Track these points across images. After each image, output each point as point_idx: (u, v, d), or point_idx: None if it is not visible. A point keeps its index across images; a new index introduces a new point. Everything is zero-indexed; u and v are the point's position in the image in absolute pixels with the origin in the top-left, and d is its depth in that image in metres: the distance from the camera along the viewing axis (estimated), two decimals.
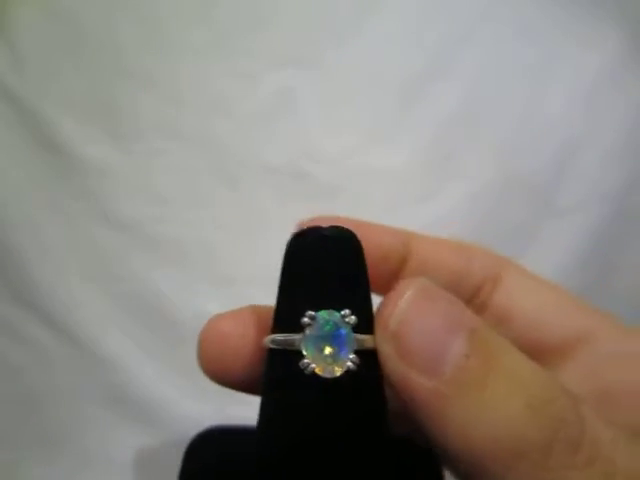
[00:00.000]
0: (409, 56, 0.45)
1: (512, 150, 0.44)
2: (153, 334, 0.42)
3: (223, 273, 0.42)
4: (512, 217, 0.44)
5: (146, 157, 0.43)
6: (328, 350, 0.15)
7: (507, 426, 0.13)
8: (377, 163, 0.44)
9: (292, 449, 0.15)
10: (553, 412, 0.13)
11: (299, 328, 0.15)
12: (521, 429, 0.13)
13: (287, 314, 0.16)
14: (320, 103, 0.44)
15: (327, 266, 0.16)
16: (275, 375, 0.16)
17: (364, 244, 0.16)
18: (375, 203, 0.43)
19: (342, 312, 0.15)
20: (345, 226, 0.17)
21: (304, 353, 0.15)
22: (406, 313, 0.14)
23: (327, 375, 0.15)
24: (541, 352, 0.15)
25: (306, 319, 0.15)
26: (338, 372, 0.15)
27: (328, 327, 0.15)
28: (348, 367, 0.15)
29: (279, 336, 0.16)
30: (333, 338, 0.15)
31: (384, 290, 0.16)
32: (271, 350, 0.16)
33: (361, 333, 0.15)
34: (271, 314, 0.16)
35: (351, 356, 0.15)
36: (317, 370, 0.15)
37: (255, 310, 0.18)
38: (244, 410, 0.42)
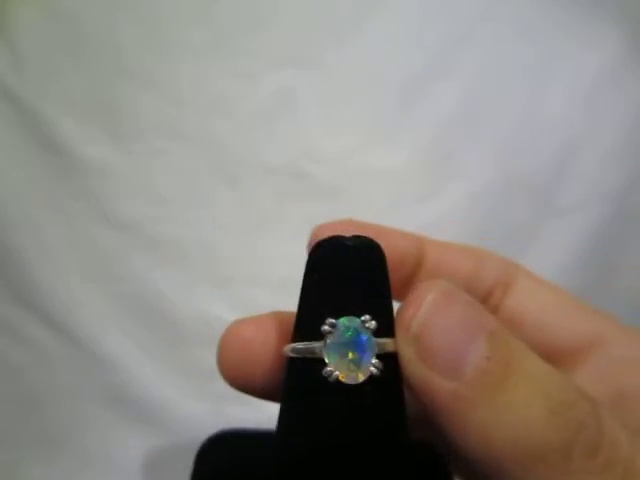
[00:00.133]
0: (409, 56, 0.45)
1: (512, 150, 0.44)
2: (153, 334, 0.42)
3: (223, 273, 0.42)
4: (512, 217, 0.44)
5: (146, 157, 0.43)
6: (350, 356, 0.15)
7: (527, 429, 0.13)
8: (377, 163, 0.44)
9: (314, 456, 0.15)
10: (572, 415, 0.13)
11: (320, 336, 0.15)
12: (541, 432, 0.13)
13: (308, 322, 0.16)
14: (320, 103, 0.44)
15: (350, 275, 0.16)
16: (297, 383, 0.16)
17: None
18: (375, 203, 0.43)
19: (362, 318, 0.15)
20: (363, 232, 0.17)
21: (327, 361, 0.15)
22: (428, 315, 0.14)
23: (350, 381, 0.15)
24: (552, 356, 0.15)
25: (327, 327, 0.15)
26: (361, 378, 0.15)
27: (349, 333, 0.15)
28: (371, 372, 0.15)
29: (300, 344, 0.16)
30: (355, 344, 0.15)
31: (399, 294, 0.17)
32: (292, 358, 0.16)
33: (381, 337, 0.15)
34: (292, 320, 0.16)
35: (374, 361, 0.15)
36: (340, 377, 0.15)
37: (277, 316, 0.18)
38: (243, 410, 0.42)
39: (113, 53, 0.43)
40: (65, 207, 0.42)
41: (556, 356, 0.20)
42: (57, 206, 0.42)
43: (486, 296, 0.21)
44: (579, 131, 0.44)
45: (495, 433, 0.13)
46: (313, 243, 0.17)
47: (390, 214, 0.43)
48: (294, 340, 0.16)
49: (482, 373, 0.14)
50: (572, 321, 0.20)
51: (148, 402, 0.41)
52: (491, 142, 0.44)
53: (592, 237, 0.43)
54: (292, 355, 0.16)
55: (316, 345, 0.15)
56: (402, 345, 0.15)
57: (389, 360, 0.15)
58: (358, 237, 0.16)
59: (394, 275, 0.16)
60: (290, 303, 0.17)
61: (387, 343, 0.15)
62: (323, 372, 0.15)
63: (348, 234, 0.17)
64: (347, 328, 0.15)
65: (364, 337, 0.15)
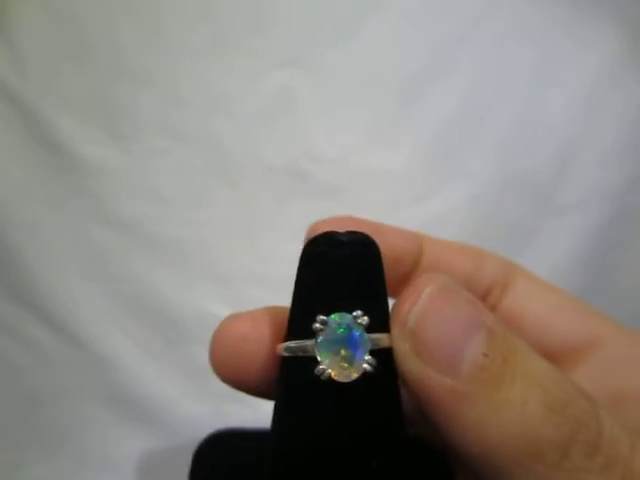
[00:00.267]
0: (409, 56, 0.45)
1: (512, 150, 0.44)
2: (153, 334, 0.42)
3: (223, 273, 0.42)
4: (512, 216, 0.44)
5: (146, 157, 0.43)
6: (343, 353, 0.15)
7: (524, 426, 0.13)
8: (377, 163, 0.44)
9: (309, 456, 0.15)
10: (571, 414, 0.13)
11: (312, 334, 0.15)
12: (539, 430, 0.13)
13: (300, 320, 0.15)
14: (320, 103, 0.44)
15: (343, 272, 0.15)
16: (290, 382, 0.16)
17: (379, 243, 0.16)
18: (375, 203, 0.43)
19: (354, 313, 0.15)
20: (360, 229, 0.16)
21: (319, 359, 0.15)
22: (425, 310, 0.14)
23: (343, 379, 0.15)
24: (550, 357, 0.14)
25: (318, 324, 0.15)
26: (354, 375, 0.15)
27: (341, 330, 0.15)
28: (364, 369, 0.15)
29: (293, 343, 0.15)
30: (347, 341, 0.15)
31: (396, 292, 0.16)
32: (285, 357, 0.16)
33: (375, 333, 0.15)
34: (286, 316, 0.16)
35: (367, 357, 0.15)
36: (333, 375, 0.15)
37: (271, 311, 0.18)
38: (243, 409, 0.42)
39: (113, 53, 0.43)
40: (65, 207, 0.42)
41: (554, 357, 0.20)
42: (57, 206, 0.42)
43: (484, 295, 0.21)
44: (579, 131, 0.44)
45: (491, 430, 0.13)
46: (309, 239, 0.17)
47: (390, 214, 0.42)
48: (287, 338, 0.16)
49: (479, 369, 0.13)
50: (570, 322, 0.20)
51: (148, 402, 0.41)
52: (491, 142, 0.44)
53: (592, 236, 0.43)
54: (285, 354, 0.15)
55: (308, 343, 0.15)
56: (397, 340, 0.14)
57: (384, 356, 0.15)
58: (353, 233, 0.16)
59: (392, 272, 0.16)
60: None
61: (382, 338, 0.15)
62: (315, 371, 0.15)
63: (344, 230, 0.16)
64: (339, 325, 0.15)
65: (356, 333, 0.15)
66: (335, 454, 0.15)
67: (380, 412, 0.15)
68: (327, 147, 0.44)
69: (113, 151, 0.43)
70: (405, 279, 0.21)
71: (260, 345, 0.17)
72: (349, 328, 0.15)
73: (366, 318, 0.15)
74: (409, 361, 0.14)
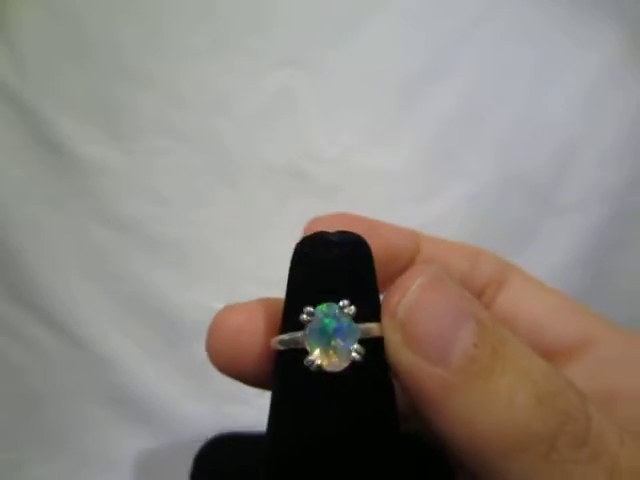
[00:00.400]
0: (409, 56, 0.45)
1: (512, 150, 0.44)
2: (153, 334, 0.42)
3: (223, 273, 0.42)
4: (512, 216, 0.44)
5: (146, 157, 0.43)
6: (332, 344, 0.15)
7: (512, 417, 0.13)
8: (377, 163, 0.44)
9: (303, 447, 0.15)
10: (560, 406, 0.13)
11: (301, 326, 0.15)
12: (527, 421, 0.13)
13: (292, 314, 0.15)
14: (320, 103, 0.44)
15: (333, 271, 0.16)
16: (284, 374, 0.16)
17: (374, 242, 0.16)
18: (375, 203, 0.43)
19: (340, 303, 0.15)
20: (355, 227, 0.16)
21: (307, 349, 0.15)
22: (416, 300, 0.14)
23: (333, 369, 0.15)
24: (543, 356, 0.15)
25: (305, 315, 0.15)
26: (344, 364, 0.15)
27: (328, 320, 0.15)
28: (353, 358, 0.15)
29: (285, 336, 0.15)
30: (335, 331, 0.15)
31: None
32: (279, 350, 0.16)
33: (364, 322, 0.15)
34: (280, 307, 0.16)
35: (355, 346, 0.15)
36: (323, 365, 0.15)
37: (265, 303, 0.18)
38: (242, 409, 0.42)
39: (113, 53, 0.43)
40: (65, 207, 0.42)
41: (547, 356, 0.20)
42: (57, 206, 0.42)
43: (479, 294, 0.21)
44: (579, 131, 0.44)
45: (480, 421, 0.13)
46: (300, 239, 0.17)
47: (390, 214, 0.42)
48: (281, 333, 0.16)
49: (469, 360, 0.13)
50: (564, 321, 0.20)
51: (148, 402, 0.41)
52: (491, 142, 0.44)
53: (592, 237, 0.43)
54: (278, 347, 0.16)
55: (299, 335, 0.15)
56: (388, 330, 0.14)
57: (374, 346, 0.15)
58: (344, 233, 0.16)
59: (387, 270, 0.16)
60: None
61: (372, 328, 0.15)
62: (305, 362, 0.15)
63: (341, 227, 0.16)
64: (325, 315, 0.15)
65: (344, 323, 0.15)
66: (328, 445, 0.15)
67: (372, 403, 0.15)
68: (327, 147, 0.44)
69: (113, 151, 0.43)
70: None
71: (255, 337, 0.17)
72: (336, 318, 0.15)
73: (353, 308, 0.15)
74: (400, 351, 0.14)
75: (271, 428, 0.16)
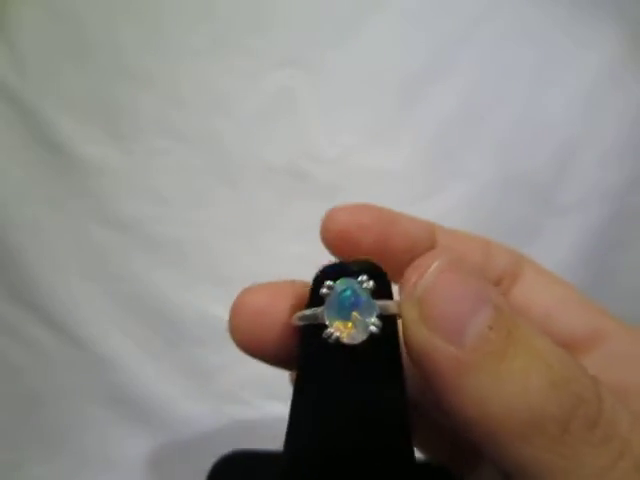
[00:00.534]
0: (409, 56, 0.45)
1: (512, 150, 0.44)
2: (153, 334, 0.42)
3: (223, 273, 0.42)
4: (512, 216, 0.44)
5: (146, 157, 0.43)
6: (350, 316, 0.15)
7: (526, 399, 0.13)
8: (377, 163, 0.44)
9: (324, 424, 0.15)
10: (573, 389, 0.14)
11: (322, 302, 0.15)
12: (541, 404, 0.13)
13: (314, 294, 0.16)
14: (320, 103, 0.44)
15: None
16: (306, 350, 0.16)
17: (394, 233, 0.17)
18: (375, 203, 0.43)
19: (359, 278, 0.15)
20: (378, 218, 0.17)
21: (327, 323, 0.15)
22: (434, 280, 0.14)
23: (350, 341, 0.15)
24: None
25: (324, 289, 0.15)
26: (362, 337, 0.15)
27: (347, 293, 0.15)
28: (371, 331, 0.15)
29: (306, 311, 0.16)
30: (353, 305, 0.15)
31: None
32: (300, 327, 0.16)
33: (381, 299, 0.15)
34: (305, 290, 0.16)
35: (373, 320, 0.15)
36: (341, 337, 0.15)
37: (288, 285, 0.18)
38: (242, 409, 0.42)
39: (113, 53, 0.43)
40: (65, 207, 0.42)
41: None
42: (57, 206, 0.42)
43: (494, 285, 0.22)
44: (579, 131, 0.44)
45: (492, 401, 0.13)
46: (326, 226, 0.19)
47: None
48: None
49: (484, 340, 0.14)
50: (576, 316, 0.21)
51: (148, 402, 0.41)
52: (491, 142, 0.44)
53: (592, 236, 0.43)
54: (299, 323, 0.16)
55: (318, 310, 0.15)
56: (405, 307, 0.15)
57: (388, 323, 0.15)
58: (360, 262, 0.16)
59: (404, 260, 0.16)
60: None
61: (390, 305, 0.15)
62: (323, 334, 0.15)
63: (361, 218, 0.18)
64: (344, 289, 0.15)
65: (362, 297, 0.15)
66: (348, 422, 0.15)
67: (385, 374, 0.16)
68: (327, 147, 0.44)
69: (113, 151, 0.43)
70: None
71: (276, 318, 0.17)
72: (355, 292, 0.15)
73: (372, 282, 0.15)
74: (416, 327, 0.14)
75: (295, 402, 0.16)
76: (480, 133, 0.44)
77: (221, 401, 0.41)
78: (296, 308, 0.17)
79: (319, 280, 0.16)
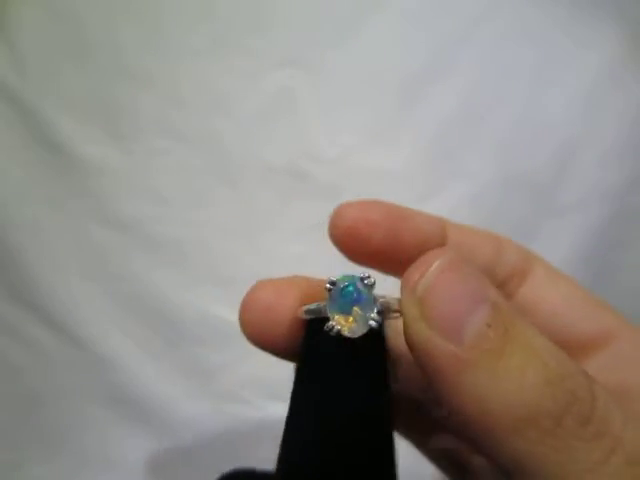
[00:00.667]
0: (409, 56, 0.45)
1: (512, 150, 0.44)
2: (153, 334, 0.42)
3: (223, 273, 0.42)
4: (512, 216, 0.44)
5: (146, 157, 0.43)
6: (351, 310, 0.16)
7: (522, 396, 0.14)
8: (377, 163, 0.44)
9: (322, 415, 0.16)
10: (567, 387, 0.14)
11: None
12: (536, 399, 0.14)
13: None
14: (320, 103, 0.44)
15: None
16: (309, 343, 0.17)
17: (405, 229, 0.18)
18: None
19: (361, 275, 0.16)
20: (387, 214, 0.19)
21: (329, 316, 0.16)
22: (434, 280, 0.15)
23: (351, 334, 0.16)
24: (561, 346, 0.15)
25: (328, 285, 0.16)
26: (362, 330, 0.16)
27: (349, 289, 0.16)
28: (371, 325, 0.16)
29: (310, 305, 0.17)
30: (355, 300, 0.16)
31: None
32: (306, 320, 0.17)
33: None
34: (313, 285, 0.17)
35: (373, 315, 0.16)
36: (342, 330, 0.16)
37: (296, 280, 0.19)
38: (242, 409, 0.42)
39: (113, 53, 0.43)
40: (65, 207, 0.42)
41: (565, 347, 0.20)
42: (57, 206, 0.42)
43: (504, 282, 0.22)
44: (579, 131, 0.44)
45: (489, 397, 0.14)
46: (334, 222, 0.19)
47: None
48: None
49: (482, 338, 0.14)
50: (584, 315, 0.21)
51: (148, 402, 0.41)
52: (491, 142, 0.44)
53: (592, 236, 0.43)
54: (304, 317, 0.17)
55: (322, 304, 0.16)
56: (406, 304, 0.15)
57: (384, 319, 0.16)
58: None
59: (416, 257, 0.16)
60: None
61: (390, 302, 0.16)
62: (325, 327, 0.16)
63: (371, 215, 0.19)
64: (347, 285, 0.16)
65: (364, 294, 0.16)
66: (347, 414, 0.16)
67: (378, 367, 0.16)
68: (327, 147, 0.44)
69: (113, 151, 0.43)
70: None
71: (285, 313, 0.18)
72: (357, 288, 0.16)
73: (373, 279, 0.16)
74: (416, 325, 0.15)
75: (295, 392, 0.16)
76: (480, 133, 0.44)
77: (221, 401, 0.41)
78: (304, 303, 0.17)
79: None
